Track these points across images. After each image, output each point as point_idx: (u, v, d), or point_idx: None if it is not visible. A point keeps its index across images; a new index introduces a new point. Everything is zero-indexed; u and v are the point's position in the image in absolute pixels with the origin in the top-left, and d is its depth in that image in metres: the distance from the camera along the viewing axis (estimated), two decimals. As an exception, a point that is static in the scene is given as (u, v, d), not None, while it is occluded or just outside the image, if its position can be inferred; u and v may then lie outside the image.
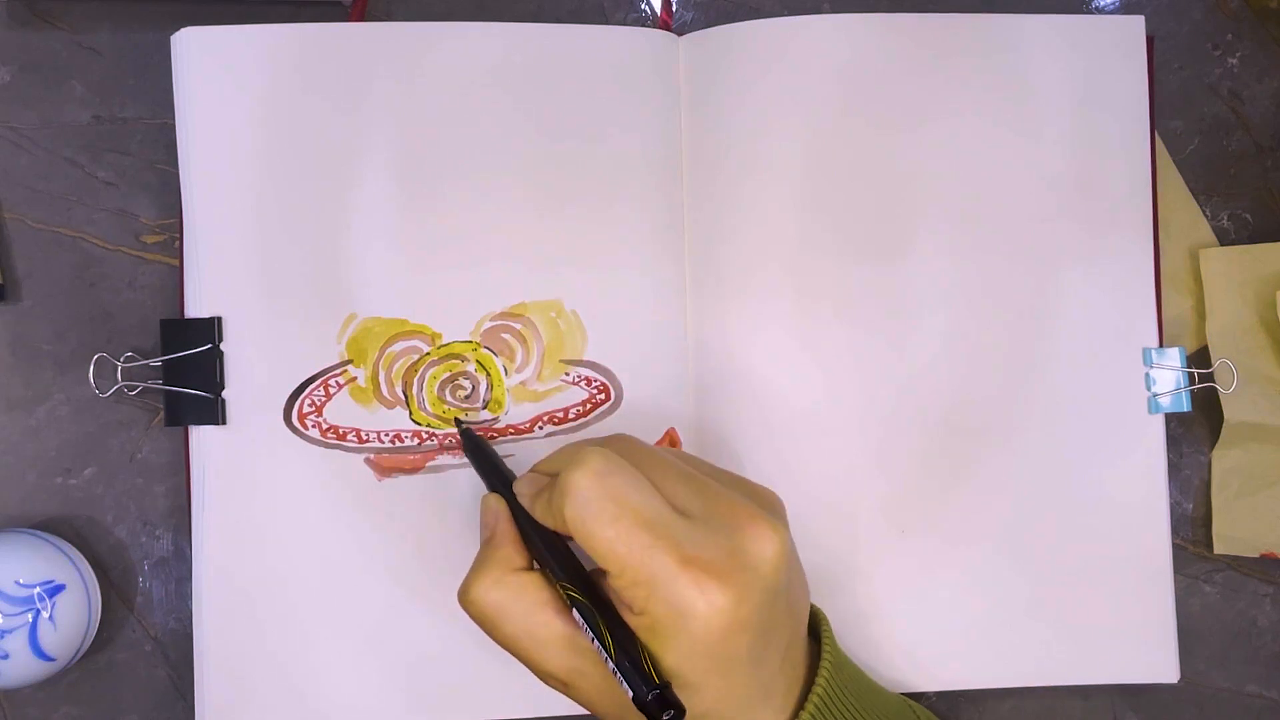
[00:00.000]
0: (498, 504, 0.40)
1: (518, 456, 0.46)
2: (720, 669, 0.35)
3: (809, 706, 0.37)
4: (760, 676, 0.36)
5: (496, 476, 0.41)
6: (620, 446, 0.37)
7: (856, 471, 0.47)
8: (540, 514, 0.37)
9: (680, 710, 0.34)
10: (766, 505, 0.38)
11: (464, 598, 0.38)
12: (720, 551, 0.34)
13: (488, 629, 0.38)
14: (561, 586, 0.37)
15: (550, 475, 0.38)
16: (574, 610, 0.36)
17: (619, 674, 0.34)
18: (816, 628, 0.41)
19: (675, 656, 0.34)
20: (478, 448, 0.44)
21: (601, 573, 0.36)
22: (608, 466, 0.35)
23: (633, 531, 0.34)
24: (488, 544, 0.39)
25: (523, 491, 0.39)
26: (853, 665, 0.42)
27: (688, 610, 0.34)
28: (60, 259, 0.47)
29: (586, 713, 0.44)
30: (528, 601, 0.37)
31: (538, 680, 0.40)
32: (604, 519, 0.34)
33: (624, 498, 0.35)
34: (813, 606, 0.42)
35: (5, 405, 0.47)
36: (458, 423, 0.45)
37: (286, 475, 0.45)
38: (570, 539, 0.37)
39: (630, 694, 0.34)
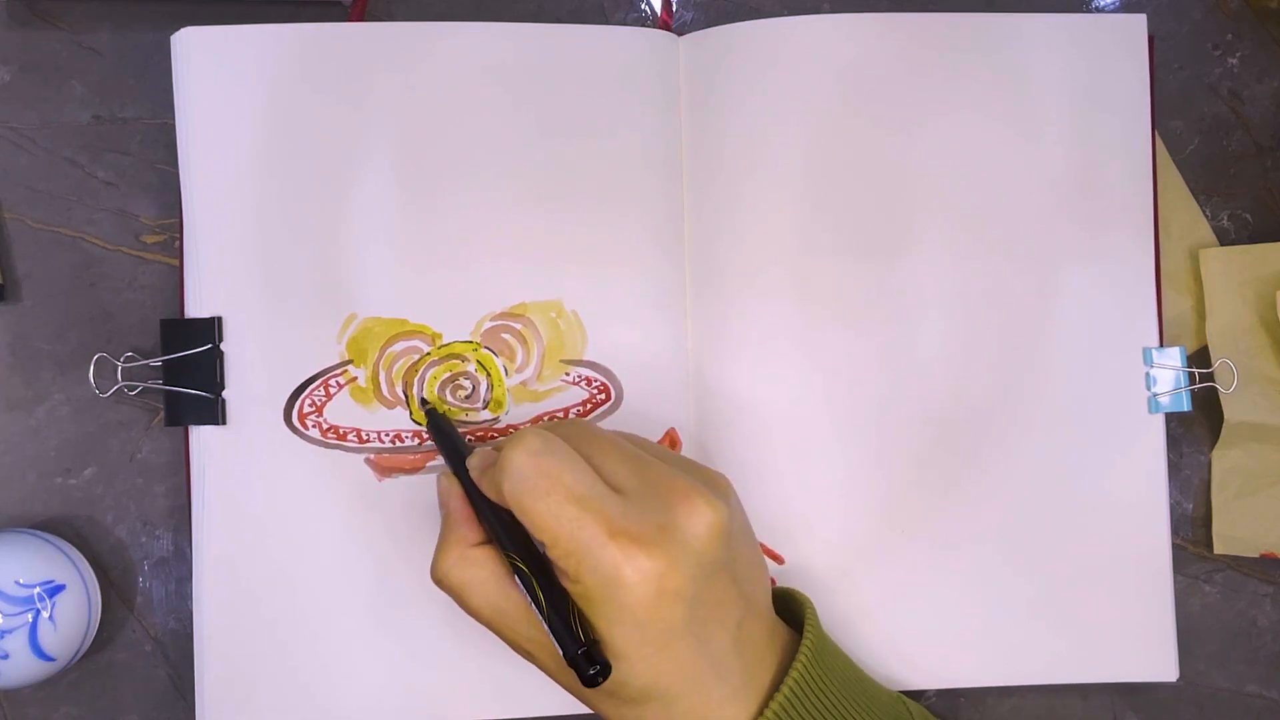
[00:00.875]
0: (449, 482, 0.41)
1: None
2: (654, 640, 0.36)
3: (783, 690, 0.38)
4: (707, 653, 0.37)
5: (454, 455, 0.42)
6: (566, 429, 0.39)
7: (857, 471, 0.47)
8: (486, 489, 0.39)
9: (606, 667, 0.36)
10: (710, 484, 0.39)
11: (434, 574, 0.39)
12: (649, 524, 0.36)
13: (461, 604, 0.39)
14: (508, 557, 0.38)
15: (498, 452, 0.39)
16: (515, 576, 0.37)
17: (550, 633, 0.36)
18: (802, 616, 0.41)
19: (606, 624, 0.36)
20: (439, 427, 0.44)
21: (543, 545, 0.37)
22: (543, 445, 0.37)
23: (562, 505, 0.35)
24: (445, 522, 0.40)
25: (473, 466, 0.40)
26: (842, 657, 0.42)
27: (615, 579, 0.35)
28: (60, 259, 0.47)
29: (587, 713, 0.44)
30: (486, 574, 0.38)
31: (538, 678, 0.41)
32: (536, 494, 0.36)
33: (555, 474, 0.36)
34: (800, 595, 0.43)
35: (5, 405, 0.47)
36: (423, 402, 0.45)
37: (286, 475, 0.45)
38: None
39: (560, 651, 0.36)
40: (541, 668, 0.39)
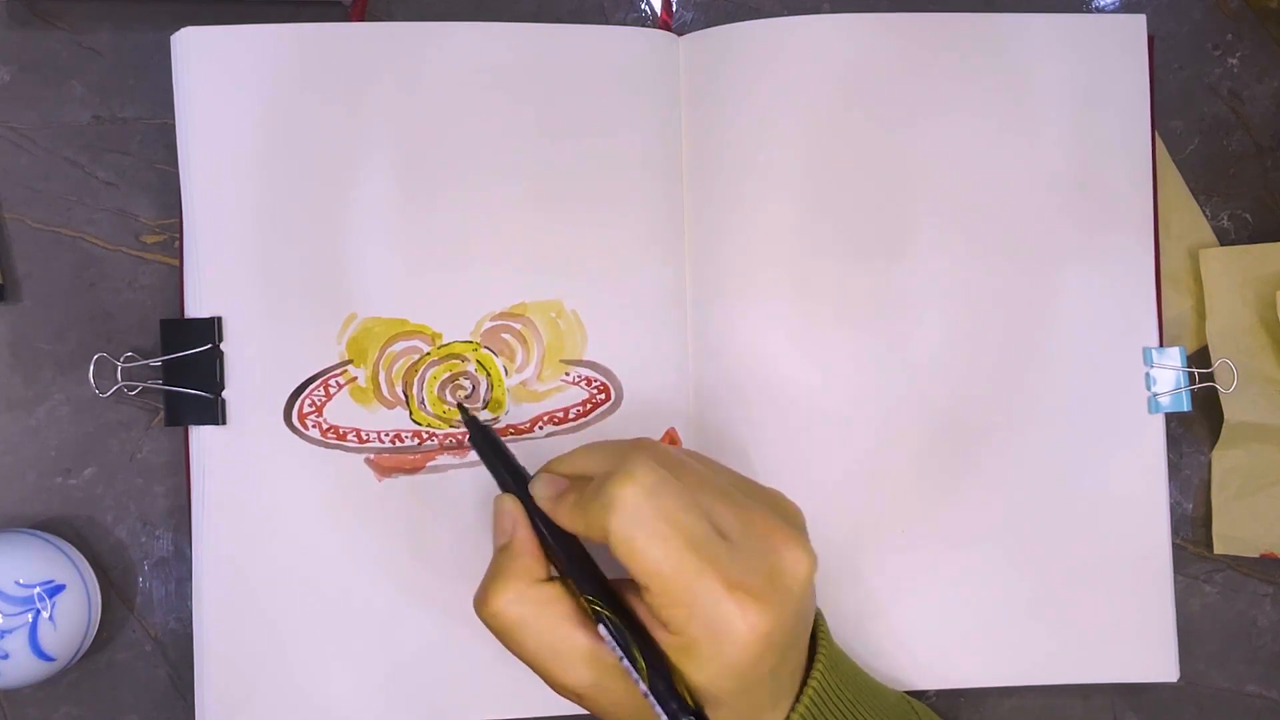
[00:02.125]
0: (514, 507, 0.39)
1: (518, 456, 0.46)
2: (746, 687, 0.35)
3: (804, 701, 0.38)
4: (773, 687, 0.36)
5: (510, 474, 0.40)
6: (654, 456, 0.36)
7: (857, 471, 0.47)
8: (565, 519, 0.37)
9: None
10: (793, 521, 0.38)
11: (483, 609, 0.37)
12: (760, 575, 0.34)
13: (506, 642, 0.37)
14: (588, 601, 0.36)
15: (572, 478, 0.38)
16: (600, 625, 0.36)
17: (651, 696, 0.34)
18: (814, 626, 0.41)
19: (705, 677, 0.34)
20: (488, 440, 0.42)
21: (627, 583, 0.36)
22: (657, 482, 0.34)
23: (682, 553, 0.33)
24: (505, 551, 0.38)
25: (542, 494, 0.38)
26: (849, 662, 0.42)
27: (727, 633, 0.34)
28: (60, 259, 0.47)
29: (587, 713, 0.44)
30: (552, 616, 0.36)
31: (541, 682, 0.40)
32: (655, 538, 0.34)
33: (674, 517, 0.34)
34: None
35: (5, 405, 0.47)
36: (463, 410, 0.44)
37: (286, 475, 0.45)
38: (587, 542, 0.37)
39: (663, 717, 0.34)
40: (595, 710, 0.37)
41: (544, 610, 0.36)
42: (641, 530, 0.34)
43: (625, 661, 0.35)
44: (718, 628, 0.34)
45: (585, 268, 0.46)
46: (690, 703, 0.34)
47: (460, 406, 0.44)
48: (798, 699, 0.38)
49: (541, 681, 0.39)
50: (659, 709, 0.34)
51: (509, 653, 0.38)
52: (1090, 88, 0.48)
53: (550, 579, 0.37)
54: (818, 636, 0.40)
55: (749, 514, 0.36)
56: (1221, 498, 0.50)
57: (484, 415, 0.46)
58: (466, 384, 0.46)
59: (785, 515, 0.38)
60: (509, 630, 0.37)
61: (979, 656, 0.47)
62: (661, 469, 0.35)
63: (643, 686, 0.34)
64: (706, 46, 0.47)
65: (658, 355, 0.46)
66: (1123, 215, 0.48)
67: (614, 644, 0.35)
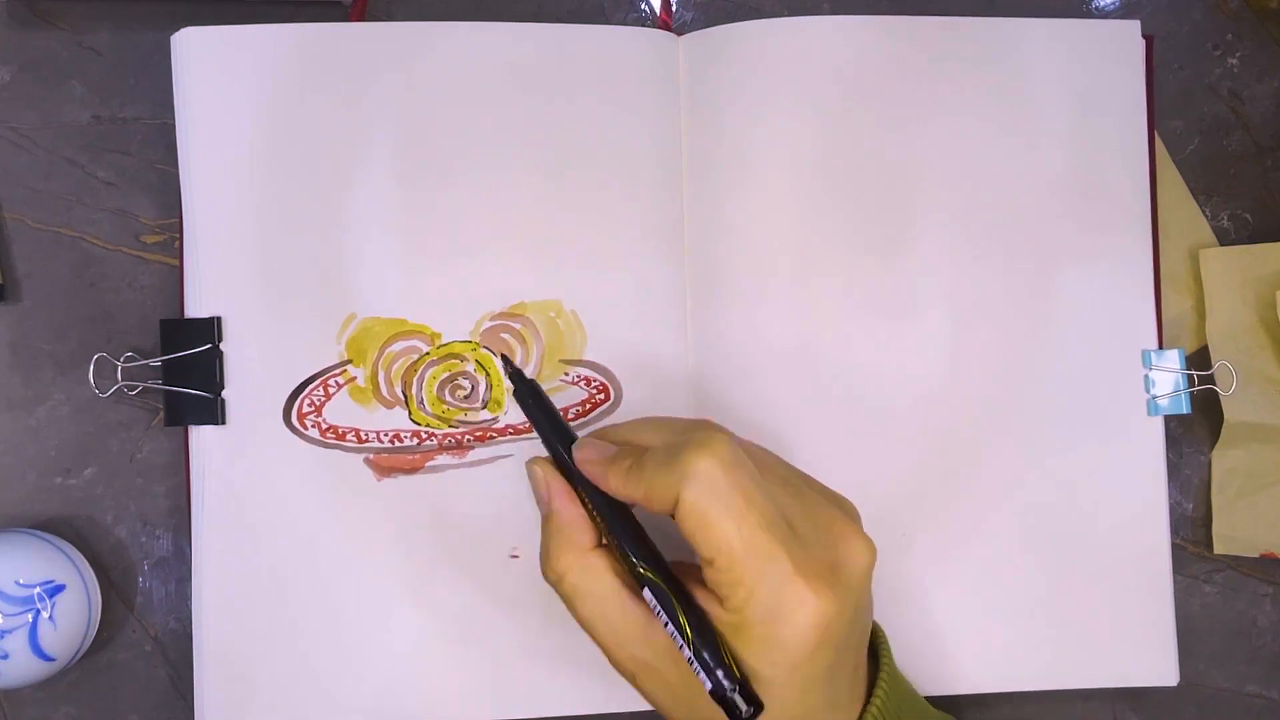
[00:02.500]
0: (545, 473, 0.38)
1: (517, 457, 0.46)
2: (801, 683, 0.34)
3: (869, 714, 0.37)
4: (831, 692, 0.36)
5: (560, 438, 0.39)
6: (728, 434, 0.36)
7: (856, 473, 0.46)
8: (617, 485, 0.36)
9: (759, 706, 0.33)
10: (852, 515, 0.38)
11: (548, 574, 0.37)
12: (823, 564, 0.34)
13: (571, 609, 0.37)
14: (640, 568, 0.35)
15: (623, 445, 0.37)
16: (647, 591, 0.35)
17: (696, 663, 0.34)
18: (875, 645, 0.40)
19: (758, 662, 0.34)
20: (541, 403, 0.40)
21: (685, 565, 0.35)
22: (735, 458, 0.34)
23: (756, 531, 0.33)
24: (552, 519, 0.37)
25: (587, 458, 0.37)
26: (907, 684, 0.41)
27: (786, 618, 0.33)
28: (60, 259, 0.47)
29: (586, 714, 0.44)
30: (604, 587, 0.36)
31: (537, 679, 0.40)
32: (731, 512, 0.33)
33: (750, 494, 0.33)
34: (874, 623, 0.41)
35: (5, 405, 0.47)
36: (506, 362, 0.42)
37: (286, 475, 0.45)
38: (629, 508, 0.37)
39: (708, 685, 0.33)
40: (645, 691, 0.37)
41: (601, 580, 0.36)
42: (717, 503, 0.33)
43: (670, 627, 0.34)
44: (778, 611, 0.33)
45: (585, 268, 0.46)
46: (737, 673, 0.33)
47: (503, 358, 0.43)
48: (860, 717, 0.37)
49: (543, 680, 0.39)
50: (704, 676, 0.33)
51: (498, 644, 0.38)
52: (1088, 91, 0.48)
53: (599, 546, 0.37)
54: (880, 656, 0.39)
55: (811, 503, 0.36)
56: (1221, 498, 0.50)
57: (483, 415, 0.46)
58: (466, 384, 0.46)
59: (843, 509, 0.38)
60: (571, 598, 0.36)
61: (980, 661, 0.47)
62: (737, 447, 0.34)
63: (687, 652, 0.34)
64: (706, 46, 0.47)
65: (657, 355, 0.46)
66: (1121, 217, 0.48)
67: (659, 608, 0.35)
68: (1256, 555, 0.50)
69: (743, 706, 0.33)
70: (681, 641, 0.34)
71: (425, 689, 0.46)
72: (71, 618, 0.44)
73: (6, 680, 0.43)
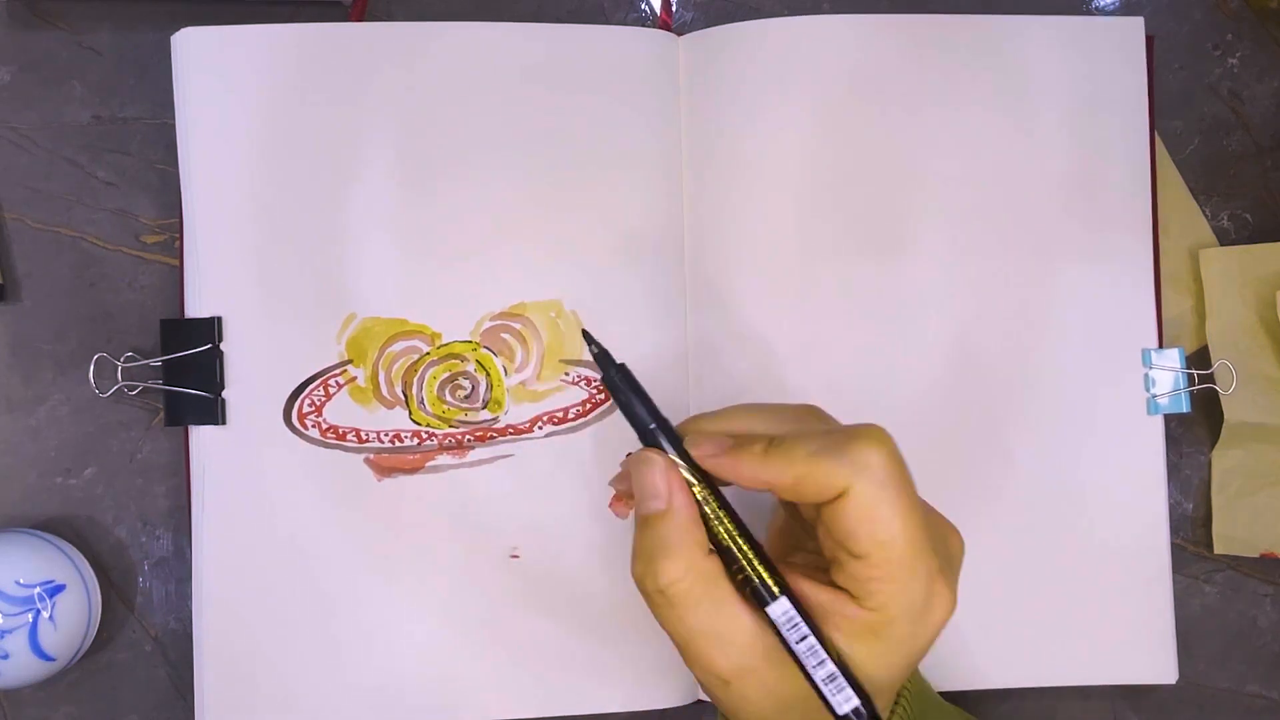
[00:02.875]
0: (668, 467, 0.34)
1: (517, 456, 0.46)
2: (906, 673, 0.34)
3: (899, 709, 0.36)
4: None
5: (659, 425, 0.35)
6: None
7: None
8: (752, 472, 0.33)
9: (877, 718, 0.33)
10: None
11: (649, 582, 0.33)
12: (944, 561, 0.34)
13: (666, 617, 0.33)
14: (766, 574, 0.33)
15: (732, 436, 0.35)
16: (780, 600, 0.33)
17: (823, 684, 0.32)
18: None
19: (886, 660, 0.33)
20: (628, 381, 0.36)
21: (814, 565, 0.34)
22: (897, 452, 0.33)
23: (919, 527, 0.32)
24: (666, 518, 0.34)
25: (705, 451, 0.34)
26: (933, 694, 0.41)
27: (926, 616, 0.33)
28: (60, 259, 0.47)
29: (586, 714, 0.44)
30: (721, 592, 0.33)
31: (537, 679, 0.40)
32: (898, 508, 0.32)
33: (913, 491, 0.33)
34: None
35: (5, 405, 0.47)
36: (588, 338, 0.37)
37: (286, 475, 0.45)
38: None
39: (844, 708, 0.32)
40: (732, 697, 0.34)
41: (713, 586, 0.33)
42: (888, 495, 0.32)
43: (802, 643, 0.32)
44: (921, 609, 0.32)
45: (585, 267, 0.46)
46: (870, 701, 0.32)
47: (586, 334, 0.37)
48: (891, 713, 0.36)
49: (541, 681, 0.38)
50: (834, 699, 0.32)
51: (497, 644, 0.36)
52: (1089, 90, 0.48)
53: (713, 551, 0.34)
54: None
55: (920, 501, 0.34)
56: (1221, 498, 0.50)
57: (484, 415, 0.46)
58: (466, 384, 0.46)
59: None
60: (676, 604, 0.33)
61: (979, 659, 0.47)
62: (890, 438, 0.33)
63: (828, 668, 0.32)
64: (706, 46, 0.47)
65: (658, 355, 0.46)
66: (1122, 216, 0.48)
67: (798, 622, 0.32)
68: (1256, 555, 0.50)
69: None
70: (820, 659, 0.32)
71: (425, 688, 0.46)
72: (71, 618, 0.44)
73: (6, 680, 0.43)
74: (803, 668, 0.32)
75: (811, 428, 0.35)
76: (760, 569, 0.33)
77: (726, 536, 0.34)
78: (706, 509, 0.34)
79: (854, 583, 0.33)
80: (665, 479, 0.34)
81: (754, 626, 0.33)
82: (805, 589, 0.33)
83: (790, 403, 0.37)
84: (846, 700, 0.32)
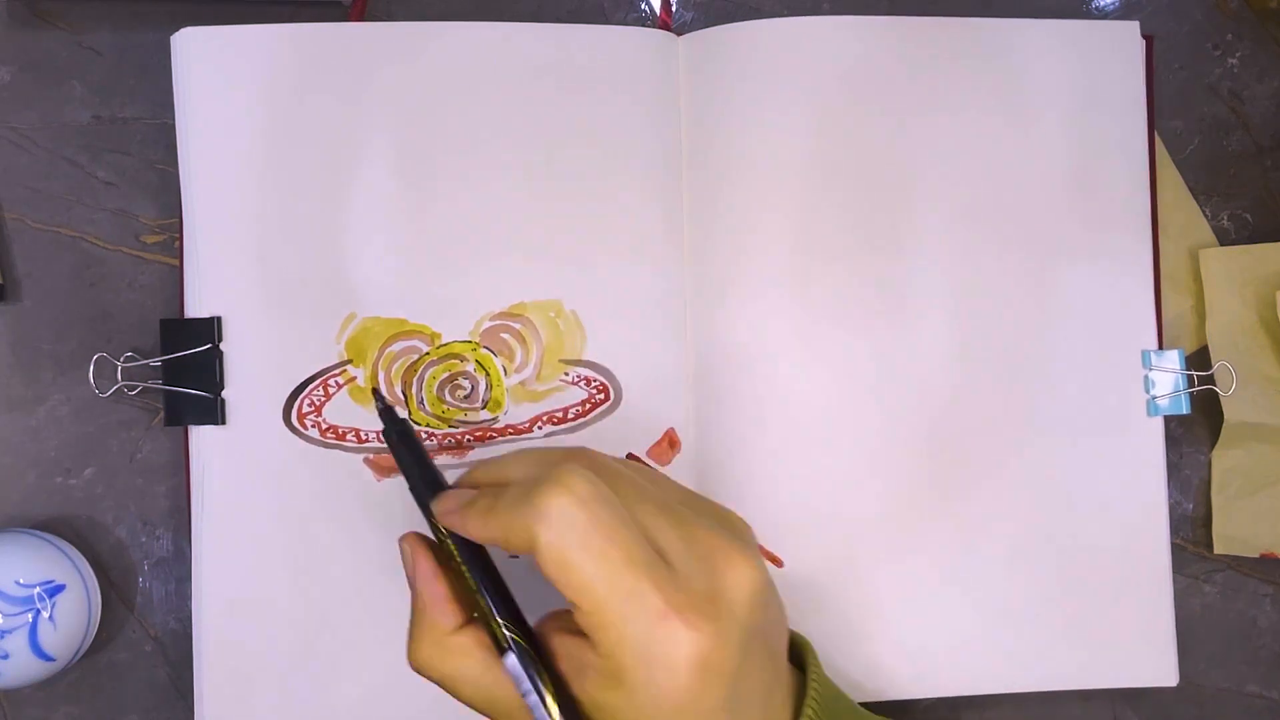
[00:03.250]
0: (415, 551, 0.36)
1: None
2: None
3: None
4: None
5: (423, 484, 0.37)
6: (600, 468, 0.34)
7: (856, 474, 0.47)
8: (475, 528, 0.34)
9: None
10: (741, 536, 0.35)
11: (412, 666, 0.36)
12: (699, 595, 0.32)
13: (445, 690, 0.35)
14: (505, 628, 0.34)
15: (490, 485, 0.35)
16: (509, 658, 0.34)
17: None
18: (801, 658, 0.38)
19: (637, 708, 0.32)
20: (408, 441, 0.37)
21: (556, 614, 0.35)
22: (592, 493, 0.32)
23: (619, 570, 0.31)
24: (416, 603, 0.36)
25: (444, 509, 0.35)
26: (845, 699, 0.39)
27: (660, 659, 0.31)
28: (60, 259, 0.47)
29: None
30: (472, 665, 0.34)
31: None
32: (589, 553, 0.31)
33: (610, 532, 0.31)
34: (796, 635, 0.39)
35: (5, 405, 0.47)
36: (382, 406, 0.38)
37: (286, 475, 0.45)
38: (483, 549, 0.35)
39: None
40: None
41: (467, 659, 0.34)
42: (575, 542, 0.31)
43: (528, 698, 0.33)
44: (651, 653, 0.31)
45: (585, 268, 0.46)
46: None
47: (375, 393, 0.39)
48: None
49: None
50: None
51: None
52: (1087, 92, 0.48)
53: (465, 624, 0.35)
54: (808, 675, 0.37)
55: (691, 529, 0.34)
56: (1221, 498, 0.50)
57: (483, 415, 0.46)
58: (465, 384, 0.46)
59: (732, 530, 0.35)
60: (441, 685, 0.35)
61: (979, 662, 0.47)
62: (595, 479, 0.32)
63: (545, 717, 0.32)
64: (706, 46, 0.47)
65: (657, 355, 0.46)
66: (1121, 217, 0.48)
67: (521, 676, 0.33)
68: (1256, 555, 0.50)
69: None
70: (543, 713, 0.32)
71: (426, 687, 0.45)
72: (71, 618, 0.44)
73: (6, 680, 0.43)
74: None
75: (535, 474, 0.34)
76: (496, 623, 0.33)
77: (476, 591, 0.34)
78: (460, 567, 0.35)
79: (585, 630, 0.32)
80: (409, 564, 0.36)
81: (502, 673, 0.34)
82: (556, 641, 0.34)
83: (563, 447, 0.37)
84: None
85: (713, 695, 0.32)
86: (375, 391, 0.40)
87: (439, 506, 0.35)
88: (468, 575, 0.35)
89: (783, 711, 0.35)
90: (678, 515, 0.34)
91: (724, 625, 0.32)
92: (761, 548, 0.46)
